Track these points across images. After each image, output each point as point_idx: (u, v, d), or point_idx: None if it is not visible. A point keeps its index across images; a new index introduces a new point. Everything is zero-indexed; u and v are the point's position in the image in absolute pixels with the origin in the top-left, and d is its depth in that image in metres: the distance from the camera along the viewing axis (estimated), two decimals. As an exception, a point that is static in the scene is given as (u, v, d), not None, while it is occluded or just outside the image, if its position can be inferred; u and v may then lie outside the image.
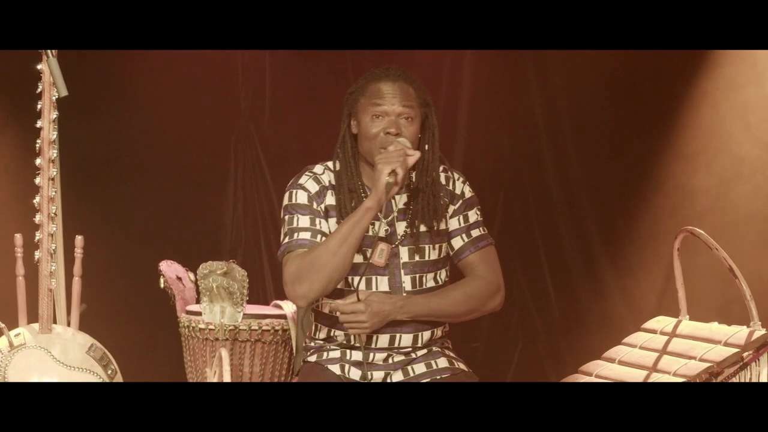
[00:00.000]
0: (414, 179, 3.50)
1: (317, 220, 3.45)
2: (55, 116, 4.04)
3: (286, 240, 3.45)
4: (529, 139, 5.16)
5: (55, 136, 4.05)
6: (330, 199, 3.47)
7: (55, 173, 4.05)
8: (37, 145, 4.05)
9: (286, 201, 3.50)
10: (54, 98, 4.03)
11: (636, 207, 4.83)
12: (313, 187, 3.48)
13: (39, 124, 4.05)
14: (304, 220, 3.45)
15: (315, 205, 3.46)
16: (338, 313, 3.41)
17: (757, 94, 4.44)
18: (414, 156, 3.38)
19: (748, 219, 4.41)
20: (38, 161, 4.05)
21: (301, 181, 3.50)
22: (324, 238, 3.41)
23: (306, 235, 3.42)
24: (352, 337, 3.48)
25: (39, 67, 4.04)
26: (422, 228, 3.49)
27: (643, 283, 4.79)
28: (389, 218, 3.45)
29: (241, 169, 5.33)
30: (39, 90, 4.05)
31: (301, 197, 3.47)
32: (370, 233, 3.42)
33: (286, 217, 3.48)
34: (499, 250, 5.00)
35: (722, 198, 4.50)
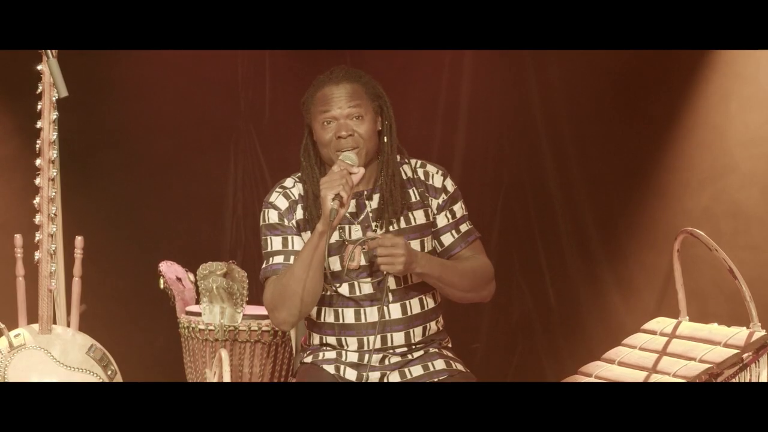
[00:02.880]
0: (376, 175, 3.49)
1: (290, 239, 3.46)
2: (55, 117, 4.04)
3: (264, 265, 3.47)
4: (529, 139, 5.15)
5: (55, 137, 4.05)
6: (300, 213, 3.47)
7: (55, 174, 4.05)
8: (37, 146, 4.06)
9: (260, 221, 3.51)
10: (54, 99, 4.03)
11: (636, 207, 4.83)
12: (283, 204, 3.48)
13: (39, 124, 4.05)
14: (276, 242, 3.46)
15: (286, 222, 3.47)
16: (369, 248, 3.36)
17: (757, 95, 4.44)
18: (358, 173, 3.37)
19: (748, 220, 4.41)
20: (38, 162, 4.05)
21: (272, 198, 3.50)
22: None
23: (279, 259, 3.43)
24: (344, 341, 3.47)
25: (39, 67, 4.04)
26: (400, 224, 3.48)
27: (642, 284, 4.79)
28: (361, 218, 3.45)
29: (240, 170, 5.33)
30: (39, 91, 4.05)
31: (272, 216, 3.47)
32: (345, 237, 3.42)
33: (262, 240, 3.50)
34: (498, 251, 5.05)
35: (722, 199, 4.50)
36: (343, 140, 3.40)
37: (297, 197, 3.49)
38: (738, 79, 4.51)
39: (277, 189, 3.52)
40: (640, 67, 4.76)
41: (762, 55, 4.38)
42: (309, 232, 3.44)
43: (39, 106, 4.06)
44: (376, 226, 3.46)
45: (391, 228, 3.46)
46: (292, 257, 3.43)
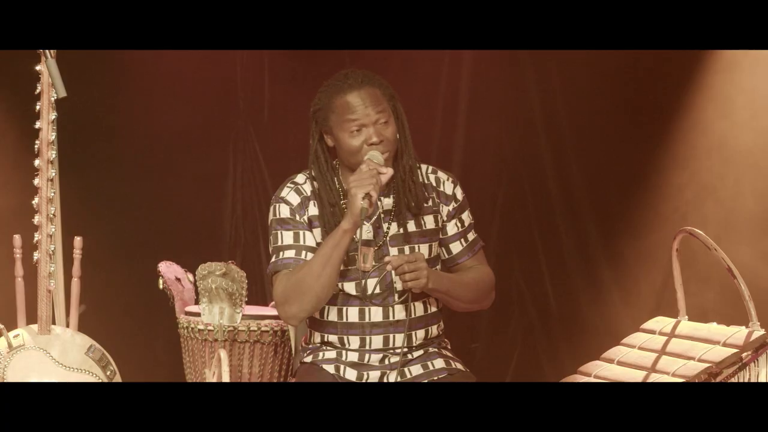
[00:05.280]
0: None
1: (301, 234, 3.44)
2: (53, 117, 4.04)
3: (273, 258, 3.45)
4: (528, 139, 5.15)
5: (53, 137, 4.05)
6: (313, 210, 3.46)
7: (53, 174, 4.05)
8: (36, 146, 4.05)
9: (270, 216, 3.49)
10: (53, 99, 4.03)
11: (635, 207, 4.83)
12: (295, 199, 3.46)
13: (38, 125, 4.05)
14: (287, 237, 3.44)
15: (298, 218, 3.45)
16: (393, 268, 3.34)
17: (757, 95, 4.44)
18: (387, 173, 3.36)
19: (746, 219, 4.41)
20: (37, 162, 4.05)
21: (283, 194, 3.48)
22: (309, 254, 3.41)
23: (290, 254, 3.42)
24: (346, 340, 3.48)
25: (38, 68, 4.04)
26: (410, 227, 3.48)
27: (641, 283, 4.79)
28: (373, 219, 3.45)
29: (239, 170, 5.33)
30: (38, 91, 4.05)
31: (284, 211, 3.46)
32: (355, 239, 3.39)
33: (272, 234, 3.48)
34: (497, 251, 5.05)
35: (721, 198, 4.50)
36: (375, 147, 3.38)
37: (309, 194, 3.48)
38: (738, 80, 4.51)
39: (289, 185, 3.50)
40: (639, 67, 4.76)
41: (762, 56, 4.38)
42: (320, 230, 3.45)
43: (38, 107, 4.05)
44: (388, 227, 3.45)
45: (401, 231, 3.47)
46: (303, 252, 3.42)
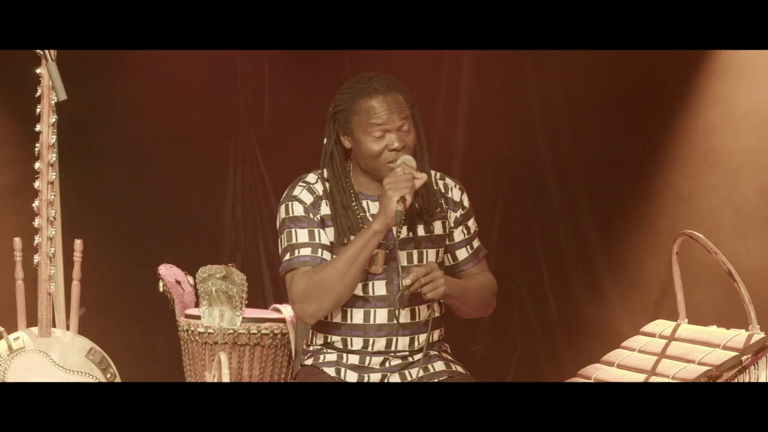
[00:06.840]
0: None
1: (316, 232, 3.45)
2: (54, 120, 4.04)
3: (288, 257, 3.44)
4: (528, 141, 5.14)
5: (54, 140, 4.05)
6: (325, 209, 3.47)
7: (54, 177, 4.05)
8: (36, 149, 4.05)
9: (282, 214, 3.49)
10: (53, 102, 4.03)
11: (634, 210, 4.82)
12: (308, 198, 3.47)
13: (38, 128, 4.05)
14: (302, 234, 3.44)
15: (312, 216, 3.46)
16: (410, 281, 3.33)
17: (757, 96, 4.44)
18: (421, 179, 3.36)
19: (746, 221, 4.41)
20: (37, 165, 4.05)
21: (296, 192, 3.49)
22: (324, 252, 3.41)
23: (307, 251, 3.42)
24: (349, 341, 3.48)
25: (38, 71, 4.03)
26: (420, 231, 3.49)
27: (641, 286, 4.79)
28: None
29: (240, 173, 5.33)
30: (38, 94, 4.05)
31: (298, 209, 3.46)
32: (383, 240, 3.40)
33: (285, 232, 3.47)
34: (498, 254, 5.05)
35: (720, 201, 4.50)
36: (396, 153, 3.38)
37: (321, 193, 3.48)
38: (738, 81, 4.50)
39: (301, 184, 3.51)
40: (639, 67, 4.75)
41: (762, 56, 4.37)
42: (332, 230, 3.45)
43: (38, 109, 4.05)
44: (398, 231, 3.45)
45: (410, 235, 3.48)
46: (319, 250, 3.42)
